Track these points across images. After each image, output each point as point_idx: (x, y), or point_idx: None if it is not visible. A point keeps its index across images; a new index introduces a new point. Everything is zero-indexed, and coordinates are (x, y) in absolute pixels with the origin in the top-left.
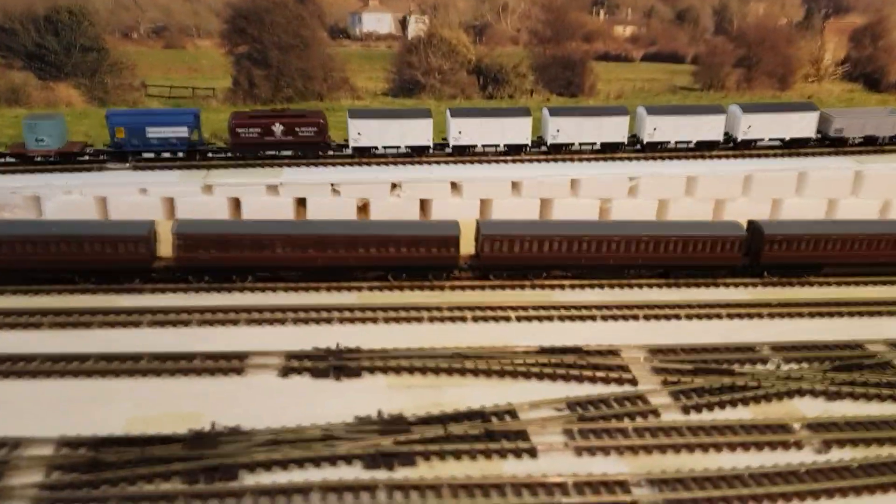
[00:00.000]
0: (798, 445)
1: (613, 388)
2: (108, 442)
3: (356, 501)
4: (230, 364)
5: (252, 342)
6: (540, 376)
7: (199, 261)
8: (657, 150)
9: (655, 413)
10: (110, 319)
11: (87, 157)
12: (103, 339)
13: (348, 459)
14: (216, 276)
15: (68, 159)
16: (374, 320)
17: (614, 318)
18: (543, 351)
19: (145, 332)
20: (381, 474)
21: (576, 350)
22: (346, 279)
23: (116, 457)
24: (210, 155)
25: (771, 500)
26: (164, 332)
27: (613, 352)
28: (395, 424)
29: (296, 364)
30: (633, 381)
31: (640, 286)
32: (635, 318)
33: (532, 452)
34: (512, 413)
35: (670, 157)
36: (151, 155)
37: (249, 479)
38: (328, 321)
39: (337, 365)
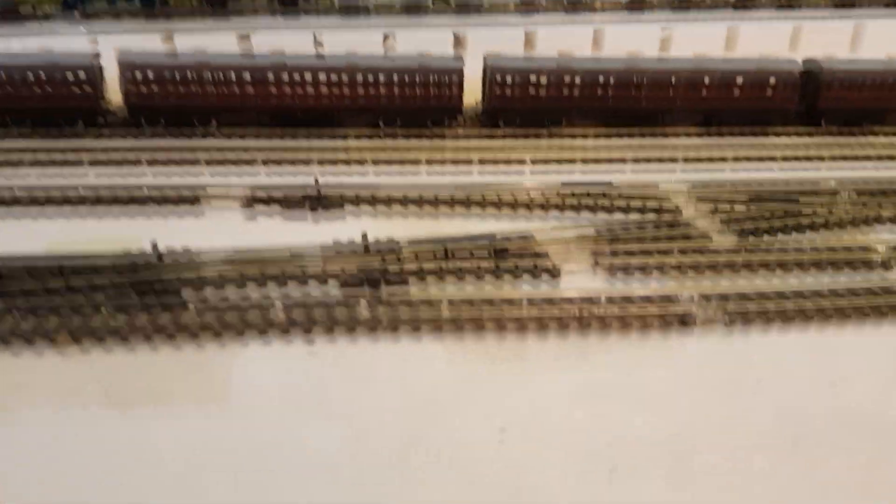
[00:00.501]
0: (880, 266)
1: (652, 218)
2: (18, 259)
3: (328, 314)
4: (182, 195)
5: (212, 181)
6: (561, 208)
7: (151, 100)
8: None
9: (706, 237)
10: (43, 158)
11: (31, 9)
12: (34, 176)
13: (322, 279)
14: (173, 121)
15: (5, 16)
16: (361, 162)
17: (648, 160)
18: (566, 186)
19: (86, 170)
20: (362, 291)
21: (605, 184)
22: (328, 125)
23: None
24: (172, 3)
25: (843, 316)
26: (109, 171)
27: (649, 186)
28: (382, 243)
29: (262, 195)
30: (677, 211)
31: (678, 135)
32: (673, 160)
33: (553, 273)
34: (528, 237)
35: (708, 7)
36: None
37: (195, 297)
38: (305, 163)
39: (313, 196)
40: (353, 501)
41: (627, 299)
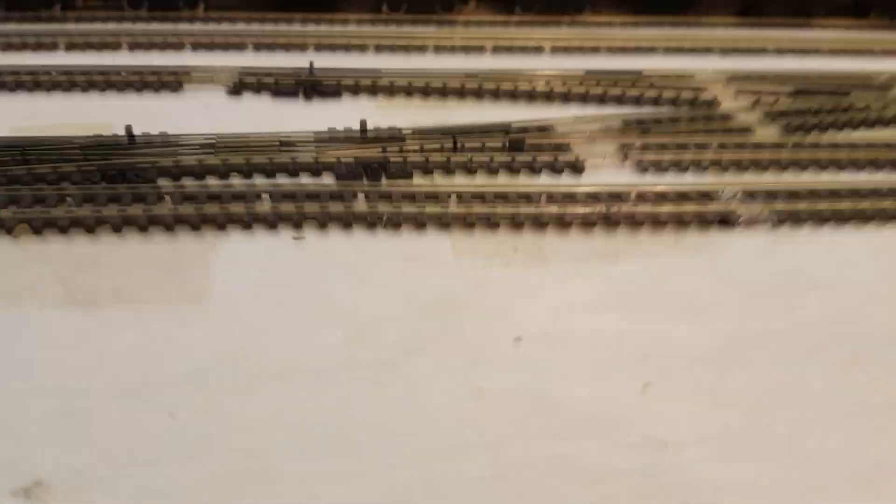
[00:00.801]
0: None
1: (687, 110)
2: None
3: (321, 207)
4: (163, 80)
5: (197, 63)
6: (585, 98)
7: None
8: None
9: (748, 130)
10: (15, 41)
11: None
12: (2, 58)
13: (314, 170)
14: (157, 3)
15: None
16: (362, 48)
17: (681, 50)
18: (590, 73)
19: (59, 55)
20: (359, 183)
21: (634, 73)
22: (326, 8)
23: None
24: None
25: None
26: (84, 56)
27: (684, 76)
28: (383, 132)
29: (252, 80)
30: (714, 103)
31: (714, 25)
32: (708, 50)
33: (576, 167)
34: (548, 129)
35: None
36: None
37: (170, 185)
38: (301, 47)
39: (308, 81)
40: (344, 409)
41: (662, 196)
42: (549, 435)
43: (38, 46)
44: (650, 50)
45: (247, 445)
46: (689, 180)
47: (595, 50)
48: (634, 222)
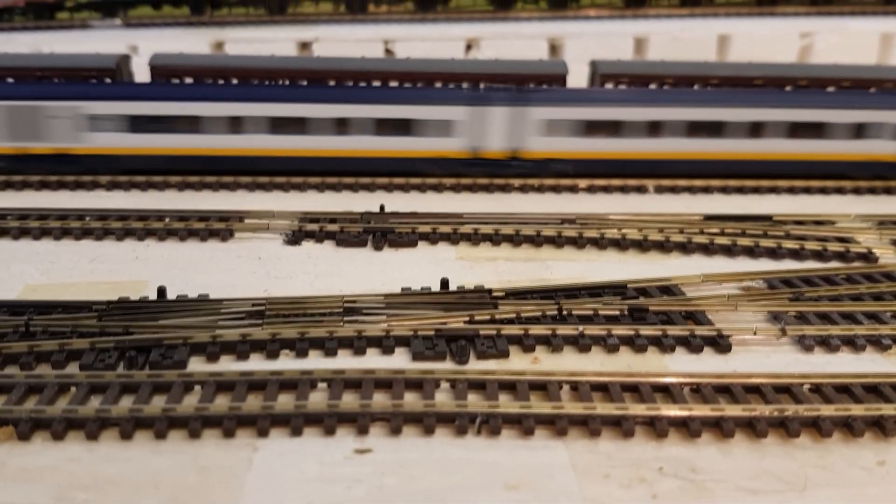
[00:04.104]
0: None
1: (837, 264)
2: None
3: (394, 406)
4: (210, 226)
5: (251, 206)
6: (708, 249)
7: None
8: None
9: None
10: (47, 178)
11: (66, 13)
12: (31, 200)
13: (385, 346)
14: None
15: (41, 14)
16: (438, 188)
17: (809, 190)
18: (710, 218)
19: (97, 195)
20: (442, 366)
21: (764, 218)
22: None
23: None
24: (226, 11)
25: None
26: (127, 197)
27: (822, 221)
28: (469, 295)
29: (313, 227)
30: (870, 257)
31: None
32: (840, 191)
33: (720, 344)
34: (672, 290)
35: (860, 10)
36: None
37: (203, 368)
38: (369, 188)
39: (378, 228)
40: None
41: (846, 389)
42: None
43: (77, 186)
44: (771, 189)
45: None
46: (871, 365)
47: (706, 190)
48: (820, 430)
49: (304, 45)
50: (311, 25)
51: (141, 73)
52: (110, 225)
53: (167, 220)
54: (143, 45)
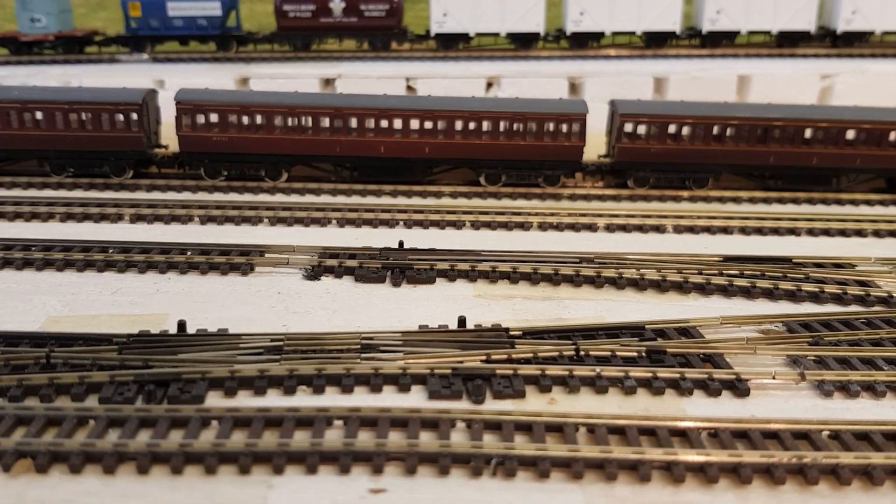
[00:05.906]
0: None
1: (857, 308)
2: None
3: (409, 445)
4: (231, 260)
5: (273, 239)
6: (727, 291)
7: (212, 144)
8: (858, 42)
9: None
10: (73, 210)
11: (95, 47)
12: (56, 231)
13: (402, 384)
14: (236, 170)
15: (71, 48)
16: (457, 225)
17: (829, 232)
18: (729, 260)
19: (121, 227)
20: (458, 405)
21: (784, 260)
22: (416, 179)
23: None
24: (251, 47)
25: None
26: (150, 229)
27: (841, 264)
28: (486, 333)
29: (332, 263)
30: (890, 301)
31: (856, 202)
32: (860, 233)
33: (738, 388)
34: (690, 332)
35: (881, 53)
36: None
37: (221, 403)
38: (389, 224)
39: (397, 265)
40: None
41: (865, 437)
42: None
43: (101, 217)
44: (790, 231)
45: None
46: (891, 412)
47: (725, 230)
48: (839, 478)
49: (328, 82)
50: (335, 63)
51: (167, 107)
52: (133, 257)
53: (189, 253)
54: (169, 80)
